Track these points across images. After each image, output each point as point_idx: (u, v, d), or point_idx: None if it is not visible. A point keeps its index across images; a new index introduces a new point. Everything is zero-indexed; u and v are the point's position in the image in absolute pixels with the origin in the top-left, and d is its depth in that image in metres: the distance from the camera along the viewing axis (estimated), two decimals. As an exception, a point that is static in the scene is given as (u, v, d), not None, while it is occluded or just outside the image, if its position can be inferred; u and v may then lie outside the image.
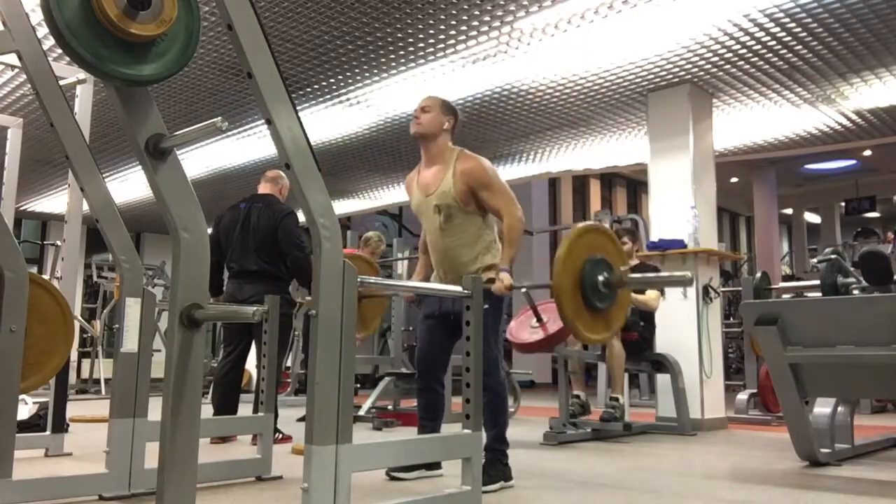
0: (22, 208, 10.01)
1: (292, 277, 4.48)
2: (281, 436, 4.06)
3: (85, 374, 9.57)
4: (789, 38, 4.84)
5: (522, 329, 4.33)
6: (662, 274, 4.92)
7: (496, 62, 5.24)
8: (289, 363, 7.77)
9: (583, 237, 2.76)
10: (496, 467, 2.85)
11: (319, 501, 1.81)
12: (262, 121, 2.88)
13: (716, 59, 5.17)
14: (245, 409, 4.36)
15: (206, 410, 5.15)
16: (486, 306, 2.55)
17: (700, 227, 5.36)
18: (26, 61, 2.51)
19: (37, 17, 2.91)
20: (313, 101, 6.05)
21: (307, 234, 2.23)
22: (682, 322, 5.29)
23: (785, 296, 6.16)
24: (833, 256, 3.98)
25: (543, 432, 4.42)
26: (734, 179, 12.73)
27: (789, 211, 15.08)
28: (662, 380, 5.26)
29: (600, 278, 2.68)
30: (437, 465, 3.08)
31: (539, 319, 4.23)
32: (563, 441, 4.36)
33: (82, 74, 3.89)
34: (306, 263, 4.12)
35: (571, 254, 2.68)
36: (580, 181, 12.92)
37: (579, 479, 3.15)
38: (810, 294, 5.06)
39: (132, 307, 2.66)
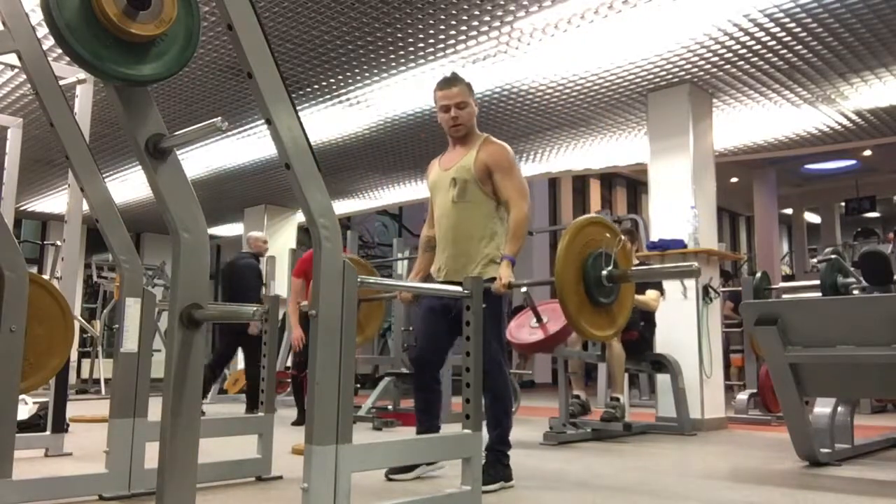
0: (22, 208, 10.00)
1: None
2: None
3: (85, 374, 9.58)
4: (789, 38, 4.84)
5: (522, 329, 4.33)
6: (668, 265, 4.82)
7: (496, 62, 5.24)
8: (288, 363, 7.76)
9: (583, 230, 2.68)
10: (496, 467, 2.85)
11: (319, 501, 1.81)
12: (262, 121, 2.88)
13: (716, 59, 5.17)
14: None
15: (210, 410, 5.17)
16: (484, 306, 2.50)
17: (700, 227, 5.36)
18: (26, 61, 2.51)
19: (37, 17, 2.90)
20: (313, 101, 6.04)
21: (307, 234, 2.23)
22: (682, 322, 5.29)
23: (785, 296, 6.16)
24: (833, 256, 3.98)
25: (543, 432, 4.42)
26: (734, 179, 12.72)
27: (789, 211, 15.07)
28: (662, 380, 5.26)
29: (603, 272, 2.59)
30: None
31: (539, 319, 4.22)
32: (563, 441, 4.35)
33: (82, 74, 3.89)
34: None
35: (572, 247, 2.60)
36: (580, 181, 12.92)
37: (579, 480, 3.15)
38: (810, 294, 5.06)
39: (132, 307, 2.66)
